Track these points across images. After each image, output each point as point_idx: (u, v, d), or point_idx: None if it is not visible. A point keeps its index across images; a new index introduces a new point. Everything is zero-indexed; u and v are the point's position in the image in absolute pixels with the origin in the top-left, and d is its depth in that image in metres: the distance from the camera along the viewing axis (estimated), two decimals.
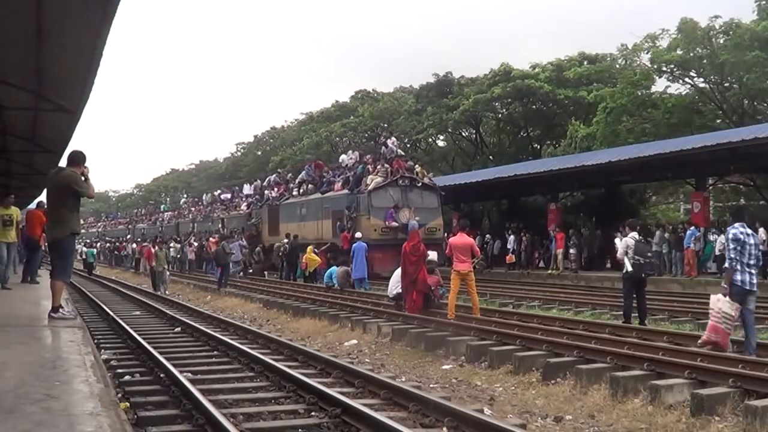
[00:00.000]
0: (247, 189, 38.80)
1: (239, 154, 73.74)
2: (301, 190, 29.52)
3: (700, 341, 8.49)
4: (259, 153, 67.64)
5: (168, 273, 24.19)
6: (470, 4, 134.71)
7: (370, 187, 23.78)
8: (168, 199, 76.10)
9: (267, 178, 36.96)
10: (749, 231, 8.61)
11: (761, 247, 11.46)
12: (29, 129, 11.08)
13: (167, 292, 22.08)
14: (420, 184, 24.52)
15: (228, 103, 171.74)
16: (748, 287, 8.35)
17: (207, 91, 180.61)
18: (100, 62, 6.93)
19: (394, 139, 29.31)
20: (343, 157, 30.54)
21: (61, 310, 8.01)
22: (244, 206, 36.23)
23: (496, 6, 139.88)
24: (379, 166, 24.98)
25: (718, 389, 6.67)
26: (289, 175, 34.50)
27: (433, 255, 16.27)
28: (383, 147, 27.02)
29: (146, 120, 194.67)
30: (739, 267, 8.32)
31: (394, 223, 22.68)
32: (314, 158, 40.41)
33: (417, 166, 26.28)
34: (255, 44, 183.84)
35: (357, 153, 30.18)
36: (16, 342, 6.24)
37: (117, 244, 49.06)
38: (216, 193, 46.74)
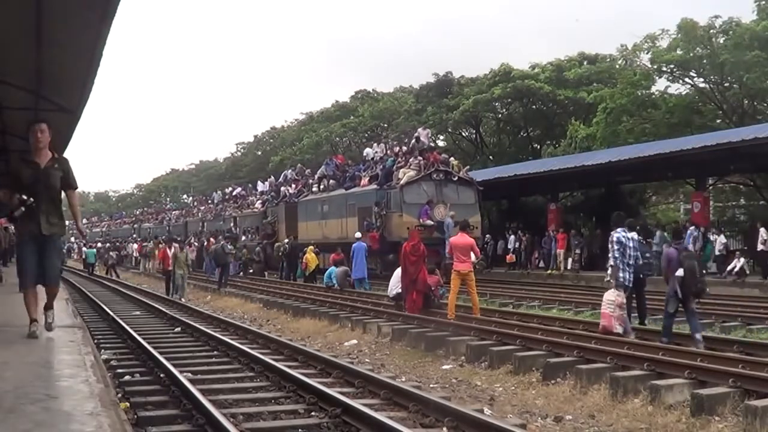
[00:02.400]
0: (261, 186, 37.26)
1: (239, 154, 73.73)
2: (322, 186, 27.49)
3: (600, 329, 9.77)
4: (259, 153, 67.62)
5: (187, 277, 21.07)
6: (471, 4, 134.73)
7: (402, 182, 21.83)
8: (168, 198, 76.08)
9: (283, 173, 34.99)
10: (629, 235, 9.92)
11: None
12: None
13: (184, 298, 19.49)
14: (456, 179, 22.60)
15: (228, 103, 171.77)
16: (627, 284, 9.77)
17: (207, 91, 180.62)
18: (100, 62, 6.93)
19: (428, 130, 26.92)
20: (368, 150, 28.72)
21: (33, 325, 6.38)
22: (258, 204, 34.35)
23: (496, 6, 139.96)
24: (411, 159, 22.95)
25: (718, 389, 6.67)
26: (307, 170, 32.42)
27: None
28: (414, 139, 24.77)
29: (146, 120, 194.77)
30: (621, 266, 9.68)
31: (429, 221, 20.83)
32: (314, 158, 40.07)
33: (452, 158, 24.33)
34: (255, 44, 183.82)
35: (383, 145, 28.26)
36: (16, 342, 6.23)
37: (117, 244, 48.81)
38: (227, 190, 44.59)
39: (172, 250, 20.71)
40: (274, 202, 31.75)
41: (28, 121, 6.62)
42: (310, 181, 29.65)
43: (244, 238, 32.55)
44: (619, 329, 9.58)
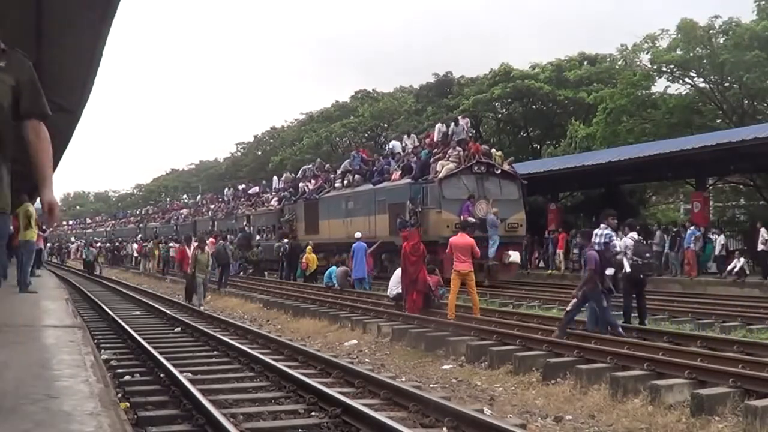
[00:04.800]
0: (277, 183, 35.66)
1: (239, 154, 73.84)
2: (346, 182, 25.50)
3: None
4: (259, 153, 67.74)
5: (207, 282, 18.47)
6: (471, 4, 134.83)
7: (440, 175, 19.81)
8: (168, 198, 76.00)
9: (302, 169, 32.55)
10: (602, 232, 10.32)
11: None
12: None
13: (203, 306, 17.30)
14: (498, 172, 20.58)
15: (228, 103, 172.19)
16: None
17: (207, 91, 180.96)
18: (100, 62, 6.96)
19: (468, 120, 24.86)
20: (394, 143, 26.38)
21: None
22: (274, 201, 32.20)
23: (497, 5, 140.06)
24: (450, 150, 20.85)
25: (718, 389, 6.67)
26: (327, 165, 30.30)
27: (515, 255, 14.67)
28: (453, 125, 22.73)
29: (146, 120, 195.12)
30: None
31: (471, 219, 18.75)
32: (314, 158, 39.74)
33: (494, 150, 22.54)
34: (254, 44, 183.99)
35: (414, 136, 26.02)
36: (15, 342, 6.23)
37: (117, 244, 48.63)
38: (241, 187, 42.72)
39: (192, 250, 18.11)
40: (292, 200, 29.57)
41: None
42: (332, 176, 27.40)
43: (258, 237, 31.34)
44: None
